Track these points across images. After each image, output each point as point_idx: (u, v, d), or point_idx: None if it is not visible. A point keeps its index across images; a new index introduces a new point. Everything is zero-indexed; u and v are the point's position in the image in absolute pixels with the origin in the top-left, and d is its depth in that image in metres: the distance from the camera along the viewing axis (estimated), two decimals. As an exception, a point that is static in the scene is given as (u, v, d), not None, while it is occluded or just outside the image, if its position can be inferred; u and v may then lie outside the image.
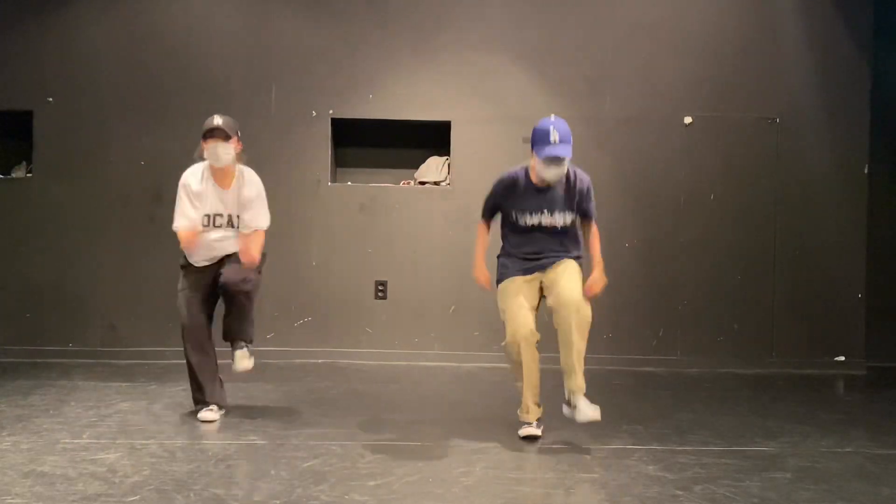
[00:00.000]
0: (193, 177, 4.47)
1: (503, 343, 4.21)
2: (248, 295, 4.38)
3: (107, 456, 3.64)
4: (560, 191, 4.17)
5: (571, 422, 4.41)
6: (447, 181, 6.59)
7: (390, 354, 6.43)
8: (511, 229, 4.30)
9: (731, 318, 6.52)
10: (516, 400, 4.76)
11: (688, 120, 6.52)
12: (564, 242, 4.26)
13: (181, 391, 5.11)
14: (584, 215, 4.28)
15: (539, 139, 4.06)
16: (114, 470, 3.43)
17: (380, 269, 6.49)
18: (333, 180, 6.58)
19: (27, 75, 6.37)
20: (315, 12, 6.49)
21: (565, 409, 4.20)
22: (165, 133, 6.38)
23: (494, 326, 6.41)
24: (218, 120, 4.42)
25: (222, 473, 3.42)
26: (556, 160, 4.03)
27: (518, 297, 4.19)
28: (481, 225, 4.44)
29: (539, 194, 4.17)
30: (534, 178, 4.17)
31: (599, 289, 4.16)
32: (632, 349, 6.30)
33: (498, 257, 4.38)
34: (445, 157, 6.63)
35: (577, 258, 4.29)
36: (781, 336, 6.51)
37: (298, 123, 6.46)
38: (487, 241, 4.44)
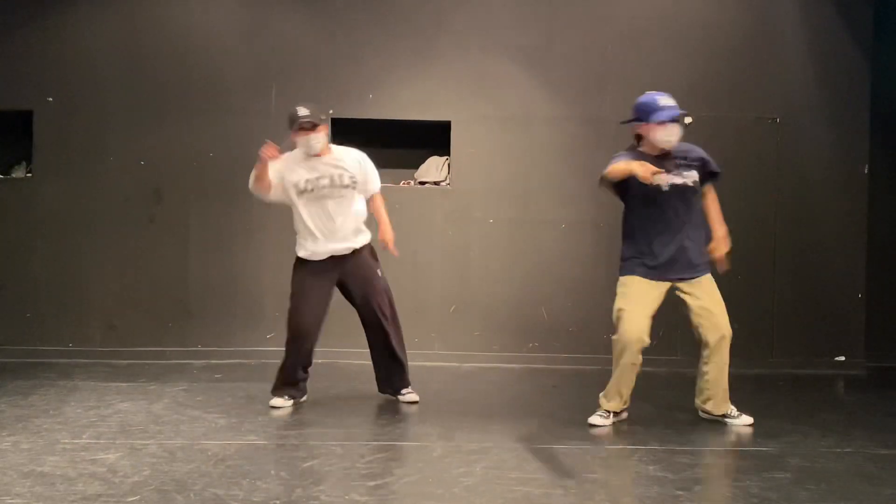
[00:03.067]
0: (287, 158, 4.70)
1: (614, 337, 4.39)
2: (394, 318, 4.89)
3: (107, 456, 3.64)
4: (680, 153, 4.34)
5: (570, 422, 4.43)
6: (447, 181, 6.59)
7: (390, 354, 6.42)
8: (640, 203, 4.36)
9: (731, 318, 6.48)
10: (517, 400, 4.77)
11: (688, 120, 6.50)
12: (691, 225, 4.38)
13: (181, 391, 5.12)
14: (712, 174, 4.46)
15: (650, 107, 4.25)
16: (114, 470, 3.43)
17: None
18: (333, 180, 6.57)
19: (27, 75, 6.37)
20: (315, 12, 6.49)
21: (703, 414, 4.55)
22: (165, 133, 6.39)
23: (495, 326, 6.43)
24: (304, 111, 4.58)
25: (222, 473, 3.42)
26: (676, 118, 4.23)
27: (639, 303, 4.33)
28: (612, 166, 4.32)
29: (659, 161, 4.26)
30: (648, 151, 4.30)
31: (725, 250, 4.48)
32: (632, 349, 6.28)
33: (624, 238, 4.47)
34: (445, 157, 6.62)
35: (708, 264, 4.50)
36: (781, 336, 6.51)
37: (298, 123, 6.46)
38: None
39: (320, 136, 4.63)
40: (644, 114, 4.27)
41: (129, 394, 5.03)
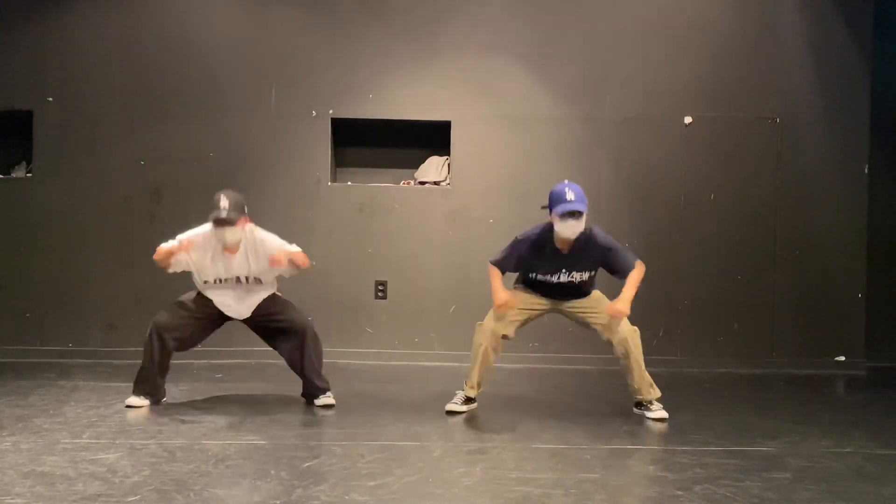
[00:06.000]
0: (201, 242, 4.60)
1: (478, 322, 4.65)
2: (314, 334, 4.78)
3: (107, 456, 3.64)
4: (582, 254, 4.44)
5: (570, 422, 4.43)
6: (447, 181, 6.59)
7: (390, 354, 6.43)
8: (529, 281, 4.63)
9: (731, 318, 6.53)
10: (517, 400, 4.77)
11: (688, 120, 6.52)
12: (578, 290, 4.59)
13: (181, 391, 5.12)
14: (622, 273, 4.49)
15: (556, 199, 4.33)
16: (114, 470, 3.43)
17: (380, 269, 6.49)
18: (333, 180, 6.58)
19: (27, 75, 6.38)
20: (315, 13, 6.49)
21: (635, 409, 4.62)
22: (165, 133, 6.39)
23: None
24: (224, 203, 4.45)
25: (222, 473, 3.41)
26: (573, 214, 4.28)
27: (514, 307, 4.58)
28: (494, 269, 4.59)
29: (562, 257, 4.44)
30: (557, 243, 4.43)
31: (621, 314, 4.48)
32: (632, 349, 6.29)
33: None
34: (445, 157, 6.63)
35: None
36: (781, 336, 6.52)
37: (298, 123, 6.46)
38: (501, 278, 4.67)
39: (236, 231, 4.53)
40: (551, 203, 4.36)
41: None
